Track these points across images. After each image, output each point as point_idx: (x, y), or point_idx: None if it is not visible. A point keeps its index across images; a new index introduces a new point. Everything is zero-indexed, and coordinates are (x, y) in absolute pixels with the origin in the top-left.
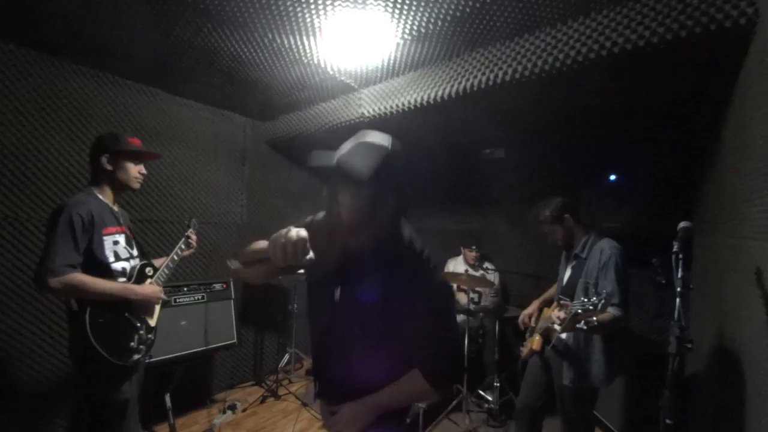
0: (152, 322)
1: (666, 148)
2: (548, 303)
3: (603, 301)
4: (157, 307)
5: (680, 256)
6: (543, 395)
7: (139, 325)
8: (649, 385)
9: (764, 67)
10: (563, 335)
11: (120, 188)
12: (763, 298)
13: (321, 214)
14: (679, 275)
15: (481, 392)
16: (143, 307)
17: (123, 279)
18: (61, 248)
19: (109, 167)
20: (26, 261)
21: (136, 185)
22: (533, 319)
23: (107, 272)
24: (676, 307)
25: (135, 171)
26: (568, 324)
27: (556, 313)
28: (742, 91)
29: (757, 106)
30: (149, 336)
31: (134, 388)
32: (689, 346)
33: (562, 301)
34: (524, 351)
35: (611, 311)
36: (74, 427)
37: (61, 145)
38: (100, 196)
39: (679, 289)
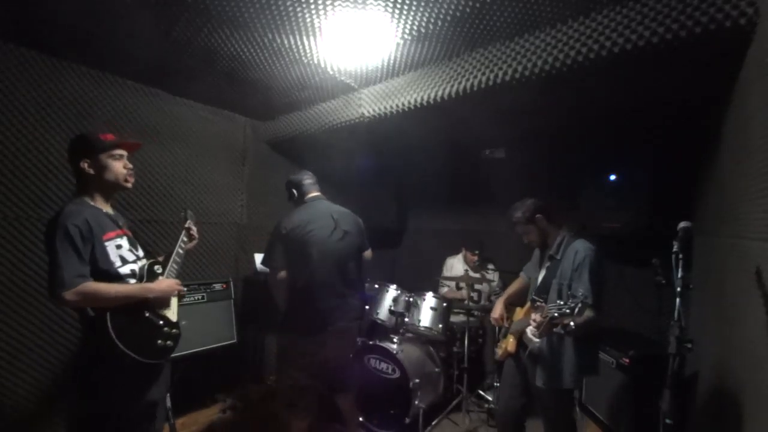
0: (173, 317)
1: (666, 148)
2: (515, 301)
3: (580, 305)
4: (174, 302)
5: (680, 256)
6: (522, 397)
7: (161, 323)
8: (649, 385)
9: (764, 67)
10: (536, 339)
11: (110, 190)
12: (763, 298)
13: None
14: (679, 275)
15: (481, 392)
16: (161, 303)
17: (134, 281)
18: (65, 261)
19: (92, 172)
20: (26, 261)
21: (128, 183)
22: (505, 320)
23: (117, 278)
24: (676, 307)
25: (120, 167)
26: (545, 329)
27: (533, 316)
28: (742, 91)
29: (757, 106)
30: (173, 331)
31: (161, 389)
32: (689, 346)
33: (537, 303)
34: (499, 353)
35: (586, 313)
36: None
37: (61, 145)
38: (92, 203)
39: (679, 289)
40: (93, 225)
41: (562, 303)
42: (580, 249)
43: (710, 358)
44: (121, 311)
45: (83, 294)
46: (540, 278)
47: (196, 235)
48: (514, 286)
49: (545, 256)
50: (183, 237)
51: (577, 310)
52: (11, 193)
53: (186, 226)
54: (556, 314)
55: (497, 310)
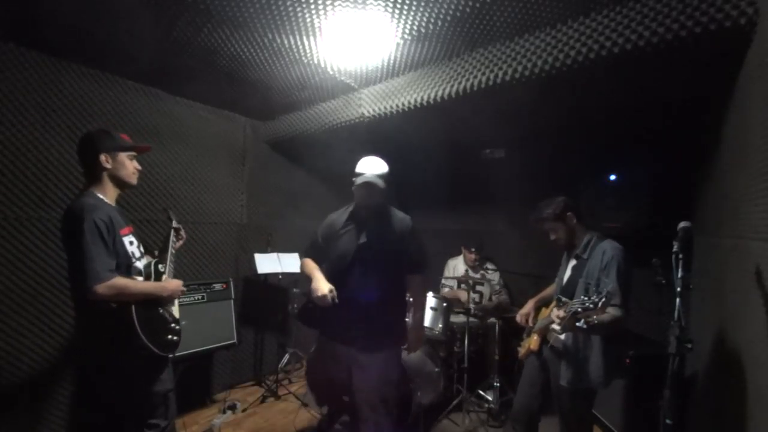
0: (177, 314)
1: (666, 148)
2: (545, 303)
3: (603, 300)
4: (176, 301)
5: (680, 256)
6: (540, 396)
7: (170, 319)
8: (649, 385)
9: (764, 67)
10: (562, 336)
11: (121, 186)
12: (763, 299)
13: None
14: (679, 275)
15: (481, 392)
16: (168, 302)
17: (140, 278)
18: (98, 255)
19: (108, 165)
20: (26, 261)
21: (135, 180)
22: (530, 319)
23: (128, 273)
24: (676, 307)
25: (132, 167)
26: (568, 323)
27: (555, 312)
28: (742, 91)
29: (757, 106)
30: (177, 327)
31: (170, 378)
32: (689, 346)
33: (562, 301)
34: (521, 351)
35: (611, 311)
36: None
37: (61, 145)
38: (104, 198)
39: (679, 289)
40: (114, 220)
41: (585, 298)
42: (608, 249)
43: (710, 358)
44: (142, 305)
45: (114, 288)
46: (566, 277)
47: (184, 235)
48: (548, 290)
49: (571, 256)
50: (172, 237)
51: (600, 304)
52: (11, 193)
53: (174, 226)
54: (579, 309)
55: (526, 308)
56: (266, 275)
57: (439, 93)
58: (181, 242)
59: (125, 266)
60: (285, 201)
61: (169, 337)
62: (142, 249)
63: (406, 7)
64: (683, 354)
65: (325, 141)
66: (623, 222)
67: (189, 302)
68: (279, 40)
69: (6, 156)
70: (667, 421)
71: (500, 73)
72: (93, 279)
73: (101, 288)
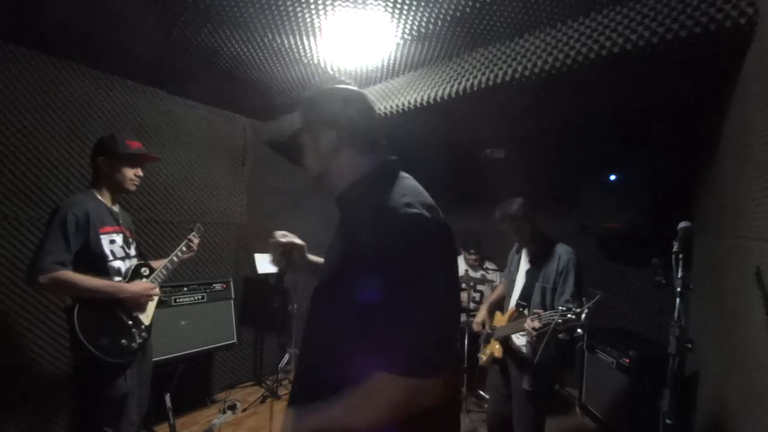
0: (146, 320)
1: (667, 148)
2: (498, 307)
3: (587, 310)
4: (152, 305)
5: (680, 256)
6: (509, 400)
7: (130, 323)
8: (649, 385)
9: (764, 67)
10: (519, 341)
11: (116, 190)
12: (763, 298)
13: None
14: (679, 275)
15: (481, 392)
16: (135, 305)
17: (119, 278)
18: (52, 246)
19: (105, 169)
20: (26, 261)
21: (131, 188)
22: (487, 326)
23: (103, 270)
24: (676, 307)
25: (131, 174)
26: (549, 335)
27: (529, 324)
28: (742, 91)
29: (757, 106)
30: (143, 334)
31: (131, 383)
32: (689, 346)
33: (523, 309)
34: (483, 358)
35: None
36: (74, 425)
37: (61, 145)
38: (99, 197)
39: (679, 289)
40: (92, 216)
41: (564, 309)
42: (563, 253)
43: (710, 358)
44: (91, 304)
45: (56, 281)
46: (521, 283)
47: (195, 248)
48: (496, 293)
49: (521, 259)
50: (182, 246)
51: (584, 316)
52: (11, 193)
53: (190, 236)
54: (560, 320)
55: (480, 315)
56: (266, 275)
57: (439, 93)
58: (189, 255)
59: (99, 265)
60: (285, 201)
61: (124, 341)
62: (130, 251)
63: (406, 7)
64: (683, 354)
65: None
66: (623, 222)
67: (189, 302)
68: (279, 40)
69: (6, 156)
70: (667, 421)
71: (500, 73)
72: (36, 269)
73: (42, 279)
